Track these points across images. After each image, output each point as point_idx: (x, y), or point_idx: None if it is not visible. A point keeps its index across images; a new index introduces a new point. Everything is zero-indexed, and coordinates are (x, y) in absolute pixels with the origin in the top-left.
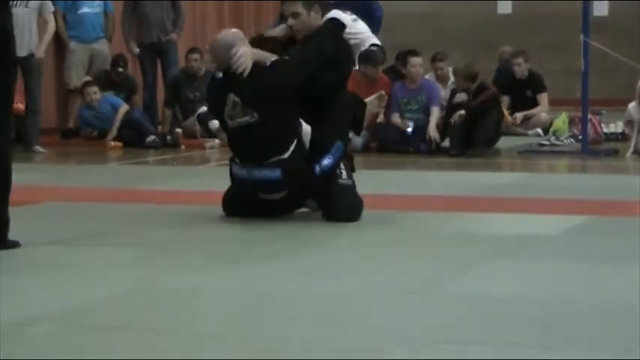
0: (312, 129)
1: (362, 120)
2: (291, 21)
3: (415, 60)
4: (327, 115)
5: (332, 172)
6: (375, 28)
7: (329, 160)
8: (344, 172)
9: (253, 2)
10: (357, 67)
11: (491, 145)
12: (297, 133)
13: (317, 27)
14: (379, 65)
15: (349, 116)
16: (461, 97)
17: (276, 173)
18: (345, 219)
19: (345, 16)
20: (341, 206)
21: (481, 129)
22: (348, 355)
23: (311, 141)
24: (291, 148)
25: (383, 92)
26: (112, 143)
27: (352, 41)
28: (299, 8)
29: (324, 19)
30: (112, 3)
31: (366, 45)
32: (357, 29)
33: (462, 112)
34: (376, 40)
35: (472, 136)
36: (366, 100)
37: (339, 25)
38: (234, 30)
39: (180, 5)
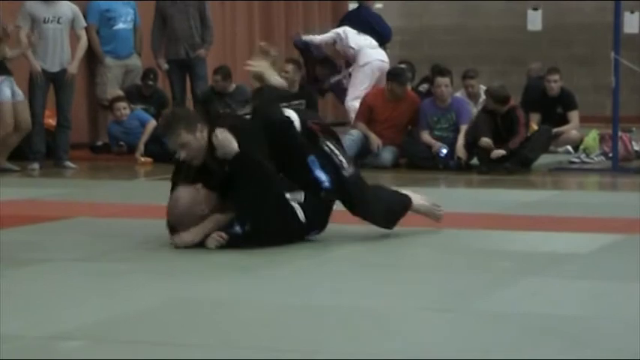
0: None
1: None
2: (183, 154)
3: (441, 80)
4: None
5: (334, 169)
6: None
7: (319, 172)
8: (343, 161)
9: (283, 19)
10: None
11: (529, 165)
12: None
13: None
14: (406, 83)
15: (292, 137)
16: (486, 141)
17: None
18: (360, 210)
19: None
20: (353, 197)
21: (531, 150)
22: None
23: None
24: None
25: (261, 44)
26: (142, 159)
27: (351, 51)
28: (184, 138)
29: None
30: (139, 17)
31: (362, 57)
32: (356, 42)
33: (501, 151)
34: (381, 56)
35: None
36: (252, 69)
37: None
38: (190, 196)
39: (210, 20)
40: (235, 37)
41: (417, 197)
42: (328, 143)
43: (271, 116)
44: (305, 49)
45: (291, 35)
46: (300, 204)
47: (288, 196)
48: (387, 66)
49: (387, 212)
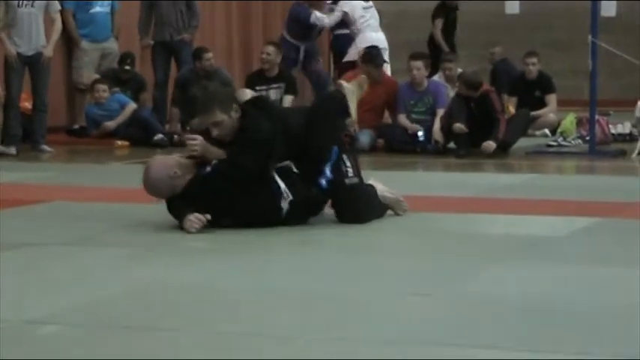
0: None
1: (346, 107)
2: (215, 132)
3: (414, 64)
4: (313, 128)
5: (338, 174)
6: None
7: (329, 167)
8: (350, 170)
9: (261, 2)
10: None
11: (507, 149)
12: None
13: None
14: (382, 65)
15: (335, 120)
16: (459, 127)
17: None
18: (352, 221)
19: (356, 3)
20: (347, 209)
21: (509, 134)
22: (352, 354)
23: (306, 157)
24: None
25: (363, 76)
26: (119, 142)
27: (354, 29)
28: (218, 117)
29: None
30: (118, 1)
31: (362, 40)
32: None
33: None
34: (381, 43)
35: (476, 136)
36: (345, 86)
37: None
38: (159, 160)
39: (196, 5)
40: (214, 20)
41: (382, 188)
42: (344, 155)
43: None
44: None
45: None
46: (290, 194)
47: (278, 180)
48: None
49: (372, 217)
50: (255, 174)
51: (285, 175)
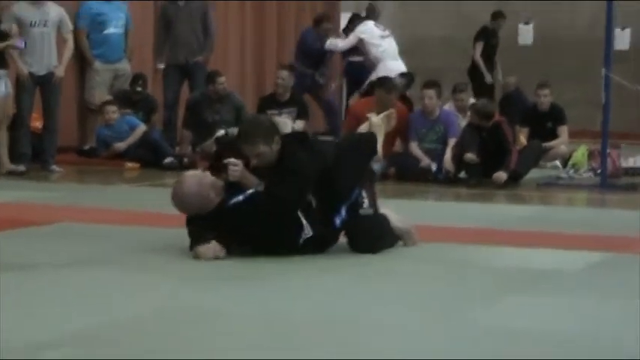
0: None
1: (375, 149)
2: (255, 161)
3: (427, 92)
4: (342, 167)
5: (353, 211)
6: None
7: (346, 206)
8: (365, 201)
9: (275, 26)
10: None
11: (518, 180)
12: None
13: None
14: (393, 91)
15: (364, 163)
16: (471, 157)
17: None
18: (365, 251)
19: (376, 30)
20: (361, 238)
21: (521, 165)
22: None
23: (327, 193)
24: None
25: (392, 110)
26: (129, 164)
27: (371, 58)
28: (261, 148)
29: None
30: (131, 21)
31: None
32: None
33: (503, 176)
34: (401, 70)
35: (488, 166)
36: (373, 120)
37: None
38: (194, 177)
39: (212, 27)
40: (228, 42)
41: (395, 218)
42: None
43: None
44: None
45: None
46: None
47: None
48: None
49: (384, 247)
50: (292, 206)
51: (305, 210)
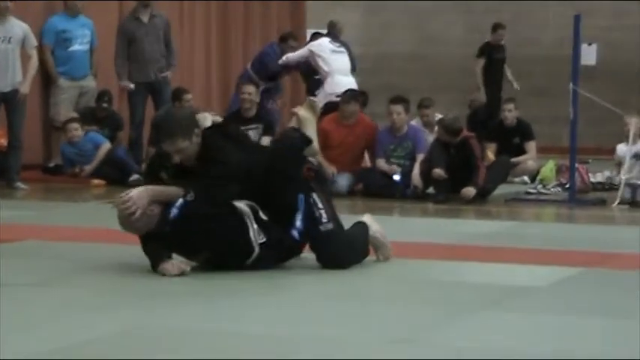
0: (269, 197)
1: (307, 139)
2: (177, 157)
3: (394, 108)
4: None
5: (311, 223)
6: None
7: (300, 217)
8: (324, 216)
9: (241, 43)
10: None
11: (486, 195)
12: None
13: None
14: (354, 102)
15: (300, 166)
16: (439, 173)
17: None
18: (333, 267)
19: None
20: (325, 255)
21: (489, 181)
22: None
23: (275, 208)
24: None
25: (313, 99)
26: (95, 181)
27: (321, 72)
28: (180, 144)
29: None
30: (96, 38)
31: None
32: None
33: (471, 191)
34: (351, 86)
35: (456, 182)
36: (300, 113)
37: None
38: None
39: (173, 43)
40: (193, 60)
41: (376, 229)
42: (314, 194)
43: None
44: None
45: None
46: (263, 240)
47: (248, 222)
48: None
49: (353, 260)
50: (225, 197)
51: (255, 216)
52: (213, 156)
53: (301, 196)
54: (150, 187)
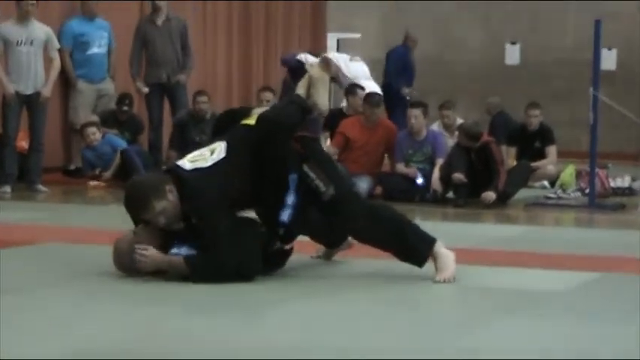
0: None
1: (306, 105)
2: (162, 220)
3: (412, 112)
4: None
5: (313, 197)
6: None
7: (291, 195)
8: (319, 183)
9: (262, 45)
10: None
11: (506, 200)
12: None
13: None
14: (378, 105)
15: (286, 142)
16: (459, 178)
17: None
18: (350, 235)
19: (340, 56)
20: (338, 227)
21: (509, 185)
22: None
23: (267, 194)
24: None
25: (324, 55)
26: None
27: (344, 79)
28: (157, 206)
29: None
30: (114, 40)
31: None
32: (350, 70)
33: (492, 195)
34: (375, 89)
35: (476, 186)
36: (313, 72)
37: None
38: (129, 237)
39: (191, 45)
40: (216, 63)
41: (445, 250)
42: (305, 166)
43: (271, 121)
44: (296, 66)
45: (282, 54)
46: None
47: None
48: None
49: (392, 237)
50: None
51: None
52: (194, 213)
53: (293, 176)
54: (160, 256)
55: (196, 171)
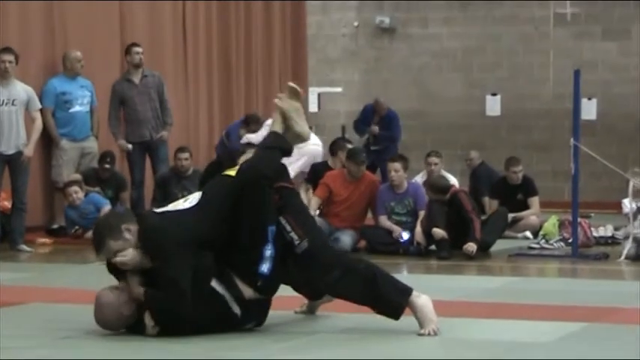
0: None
1: (285, 145)
2: (122, 262)
3: (394, 165)
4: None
5: (284, 250)
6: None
7: (268, 248)
8: (294, 236)
9: (243, 94)
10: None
11: (486, 249)
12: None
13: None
14: (363, 163)
15: (267, 193)
16: (439, 233)
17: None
18: (323, 283)
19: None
20: (313, 281)
21: (488, 234)
22: None
23: (244, 246)
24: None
25: (291, 83)
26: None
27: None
28: (114, 246)
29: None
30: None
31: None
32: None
33: (473, 246)
34: (315, 140)
35: (455, 237)
36: (280, 105)
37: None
38: (112, 300)
39: (168, 102)
40: (198, 119)
41: (424, 300)
42: (281, 219)
43: (252, 171)
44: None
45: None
46: (236, 297)
47: (219, 289)
48: (320, 150)
49: (366, 289)
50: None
51: (224, 279)
52: (151, 251)
53: (272, 228)
54: (140, 256)
55: (163, 213)
